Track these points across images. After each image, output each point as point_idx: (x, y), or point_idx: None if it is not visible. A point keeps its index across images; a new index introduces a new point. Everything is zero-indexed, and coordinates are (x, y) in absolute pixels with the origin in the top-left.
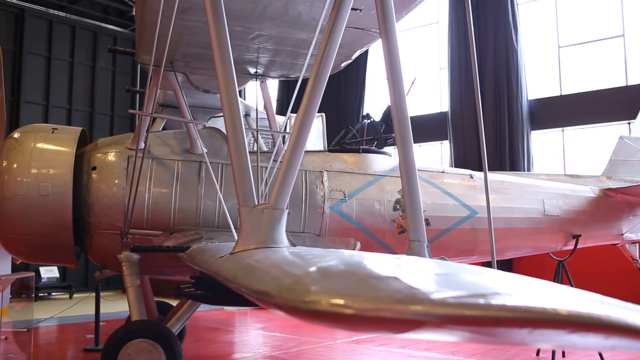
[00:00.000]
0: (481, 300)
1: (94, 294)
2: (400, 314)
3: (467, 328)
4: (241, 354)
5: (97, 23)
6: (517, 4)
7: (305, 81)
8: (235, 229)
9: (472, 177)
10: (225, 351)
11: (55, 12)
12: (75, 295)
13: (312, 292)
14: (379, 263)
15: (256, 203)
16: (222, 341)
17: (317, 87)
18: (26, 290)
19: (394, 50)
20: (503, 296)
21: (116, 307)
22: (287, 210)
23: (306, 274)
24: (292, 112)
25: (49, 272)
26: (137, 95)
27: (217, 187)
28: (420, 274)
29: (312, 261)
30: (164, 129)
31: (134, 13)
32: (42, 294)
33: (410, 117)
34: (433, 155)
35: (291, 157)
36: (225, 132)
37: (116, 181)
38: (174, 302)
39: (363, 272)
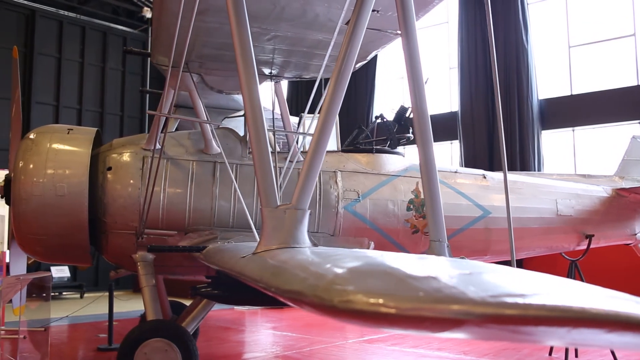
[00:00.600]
0: (520, 300)
1: (105, 294)
2: (441, 313)
3: (506, 327)
4: (253, 354)
5: (107, 24)
6: (527, 4)
7: (320, 81)
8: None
9: (484, 177)
10: (238, 350)
11: (66, 12)
12: (86, 295)
13: (350, 291)
14: (411, 263)
15: (278, 204)
16: (234, 340)
17: (339, 88)
18: (43, 289)
19: (414, 50)
20: (541, 295)
21: (127, 306)
22: (309, 211)
23: (340, 274)
24: (309, 112)
25: (59, 272)
26: (147, 95)
27: (235, 186)
28: (454, 273)
29: (341, 261)
30: (176, 129)
31: (144, 14)
32: (53, 294)
33: None
34: (443, 155)
35: (313, 158)
36: (238, 132)
37: (131, 181)
38: (187, 302)
39: (399, 272)
